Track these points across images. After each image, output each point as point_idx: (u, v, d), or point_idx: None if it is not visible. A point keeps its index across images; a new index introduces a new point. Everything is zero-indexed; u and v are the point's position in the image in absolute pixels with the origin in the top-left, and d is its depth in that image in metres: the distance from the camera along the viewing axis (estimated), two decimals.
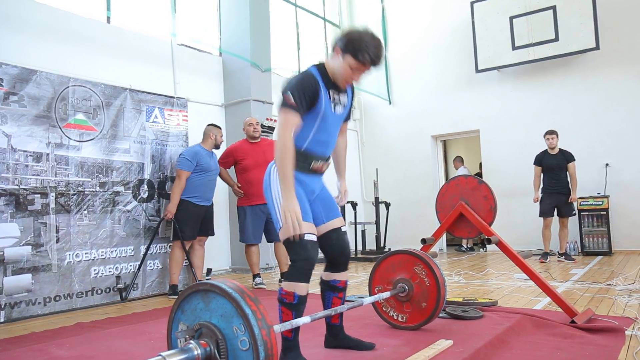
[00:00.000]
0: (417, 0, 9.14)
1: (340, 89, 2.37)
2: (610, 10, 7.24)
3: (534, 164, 6.62)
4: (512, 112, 8.05)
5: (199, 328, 1.74)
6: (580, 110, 7.48)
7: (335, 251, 2.46)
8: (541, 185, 6.57)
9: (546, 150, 6.53)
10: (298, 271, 2.22)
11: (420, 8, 9.09)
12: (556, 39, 7.42)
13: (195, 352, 1.68)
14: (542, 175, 6.55)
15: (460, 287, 4.60)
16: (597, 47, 7.10)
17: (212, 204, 5.10)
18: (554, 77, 7.71)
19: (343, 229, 2.50)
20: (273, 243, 5.22)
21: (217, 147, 5.02)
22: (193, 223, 4.82)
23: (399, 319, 2.99)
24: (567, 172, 6.40)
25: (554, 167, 6.41)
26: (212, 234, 5.15)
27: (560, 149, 6.46)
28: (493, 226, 3.41)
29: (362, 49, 2.19)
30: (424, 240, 3.56)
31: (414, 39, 9.13)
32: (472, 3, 8.12)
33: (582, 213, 7.03)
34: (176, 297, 4.95)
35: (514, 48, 7.77)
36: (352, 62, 2.22)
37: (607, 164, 7.20)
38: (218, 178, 5.18)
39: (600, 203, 6.92)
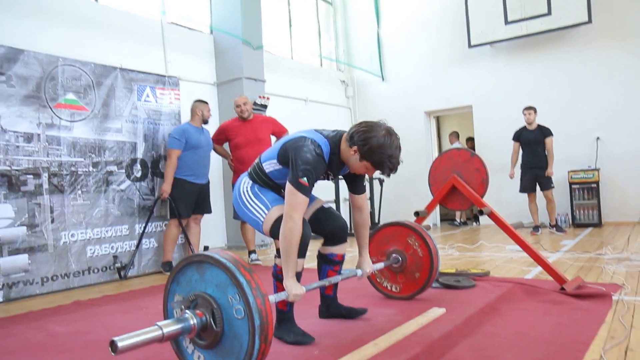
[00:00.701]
0: None
1: (336, 170, 2.36)
2: None
3: (513, 139, 6.68)
4: (505, 87, 8.05)
5: (194, 298, 1.77)
6: (572, 85, 7.50)
7: (329, 226, 2.48)
8: (519, 162, 6.63)
9: (525, 126, 6.57)
10: None
11: None
12: (549, 13, 7.39)
13: (192, 322, 1.72)
14: (520, 151, 6.61)
15: (453, 259, 4.67)
16: (590, 21, 7.09)
17: (209, 182, 5.10)
18: (546, 51, 7.70)
19: (326, 205, 2.53)
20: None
21: (205, 122, 4.95)
22: (188, 201, 4.83)
23: (393, 289, 3.04)
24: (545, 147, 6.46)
25: (531, 142, 6.47)
26: (209, 211, 5.14)
27: (538, 124, 6.50)
28: (486, 200, 3.45)
29: (383, 161, 2.15)
30: (417, 213, 3.60)
31: (407, 14, 9.07)
32: None
33: (573, 186, 7.11)
34: None
35: (507, 23, 7.74)
36: (370, 167, 2.21)
37: (598, 138, 7.26)
38: (214, 153, 5.19)
39: (591, 176, 7.00)
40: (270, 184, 2.38)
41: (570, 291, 2.93)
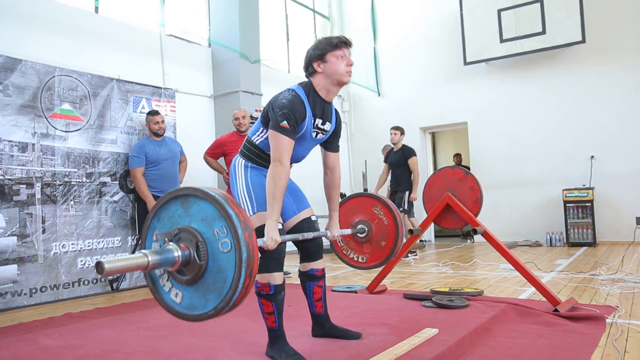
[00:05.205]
0: None
1: (325, 116, 2.37)
2: (596, 3, 7.31)
3: (384, 161, 6.54)
4: (500, 104, 8.11)
5: (177, 232, 1.71)
6: (566, 103, 7.56)
7: (307, 241, 2.47)
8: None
9: (393, 147, 6.41)
10: (269, 261, 2.24)
11: (409, 0, 9.09)
12: (543, 32, 7.48)
13: (175, 254, 1.67)
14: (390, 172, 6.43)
15: (447, 277, 4.66)
16: (584, 40, 7.17)
17: None
18: (541, 69, 7.78)
19: (313, 217, 2.52)
20: None
21: (156, 134, 4.80)
22: None
23: (360, 260, 3.04)
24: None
25: (392, 164, 6.30)
26: None
27: (403, 145, 6.29)
28: (480, 218, 3.45)
29: (330, 40, 2.31)
30: (411, 231, 3.60)
31: (403, 31, 9.15)
32: None
33: (567, 204, 7.13)
34: None
35: (502, 41, 7.82)
36: (335, 54, 2.29)
37: (592, 156, 7.30)
38: (208, 167, 5.18)
39: (585, 195, 7.02)
40: (263, 157, 2.36)
41: (563, 313, 2.91)
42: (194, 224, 1.69)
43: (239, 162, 2.42)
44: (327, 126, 2.41)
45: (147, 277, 1.81)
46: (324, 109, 2.36)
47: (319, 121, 2.35)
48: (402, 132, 6.30)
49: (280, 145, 2.17)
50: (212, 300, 1.66)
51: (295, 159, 2.41)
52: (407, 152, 6.19)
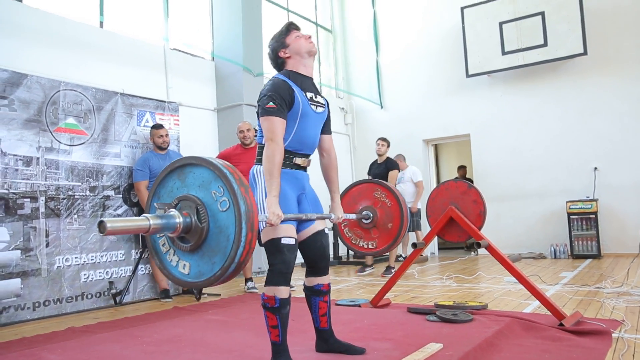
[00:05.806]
0: (408, 5, 9.21)
1: (314, 89, 2.45)
2: (597, 16, 7.34)
3: (367, 173, 6.45)
4: (502, 116, 8.12)
5: (177, 202, 1.76)
6: (569, 115, 7.56)
7: (317, 254, 2.48)
8: None
9: (376, 158, 6.34)
10: (277, 275, 2.25)
11: (411, 13, 9.16)
12: (545, 44, 7.50)
13: (177, 220, 1.71)
14: None
15: (451, 290, 4.63)
16: (585, 52, 7.19)
17: None
18: (543, 82, 7.79)
19: (326, 230, 2.55)
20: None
21: (160, 147, 4.85)
22: None
23: (369, 246, 3.06)
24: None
25: (375, 176, 6.16)
26: None
27: (387, 157, 6.22)
28: (483, 230, 3.44)
29: (280, 30, 2.49)
30: (414, 245, 3.59)
31: (405, 44, 9.20)
32: (462, 8, 8.20)
33: (571, 216, 7.10)
34: (169, 300, 4.91)
35: (504, 53, 7.85)
36: (291, 36, 2.44)
37: (595, 168, 7.28)
38: None
39: (590, 206, 7.00)
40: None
41: (569, 327, 2.89)
42: (192, 191, 1.76)
43: (257, 169, 2.38)
44: (321, 99, 2.48)
45: (153, 253, 1.85)
46: (309, 83, 2.44)
47: (311, 95, 2.41)
48: (389, 145, 6.26)
49: (271, 125, 2.23)
50: (218, 263, 1.69)
51: (309, 142, 2.43)
52: (390, 165, 6.12)
